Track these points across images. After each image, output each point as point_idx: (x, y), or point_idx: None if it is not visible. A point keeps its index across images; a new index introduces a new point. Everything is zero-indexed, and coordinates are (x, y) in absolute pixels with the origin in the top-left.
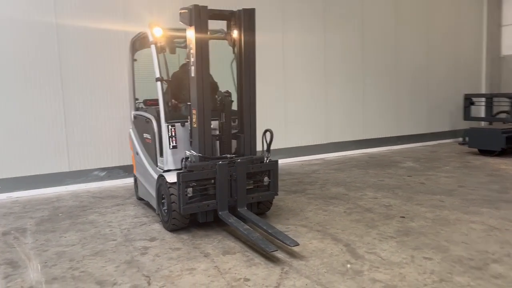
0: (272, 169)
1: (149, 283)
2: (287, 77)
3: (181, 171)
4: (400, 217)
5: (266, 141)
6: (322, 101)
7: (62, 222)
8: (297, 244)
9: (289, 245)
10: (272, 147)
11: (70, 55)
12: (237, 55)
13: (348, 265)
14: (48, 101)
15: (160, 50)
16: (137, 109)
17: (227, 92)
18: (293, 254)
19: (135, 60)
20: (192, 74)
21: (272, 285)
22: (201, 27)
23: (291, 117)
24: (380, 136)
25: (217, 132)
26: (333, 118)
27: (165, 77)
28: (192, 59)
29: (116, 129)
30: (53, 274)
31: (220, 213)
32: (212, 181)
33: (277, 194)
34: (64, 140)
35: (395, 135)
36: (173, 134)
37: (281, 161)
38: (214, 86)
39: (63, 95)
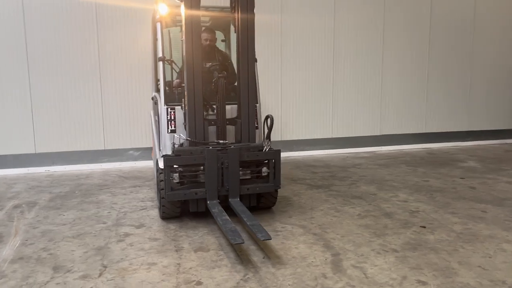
0: (273, 159)
1: (100, 275)
2: (337, 59)
3: (168, 155)
4: (420, 226)
5: (268, 128)
6: (377, 87)
7: (72, 200)
8: (269, 238)
9: (260, 239)
10: (317, 137)
11: (108, 34)
12: (236, 34)
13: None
14: (86, 79)
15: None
16: (157, 90)
17: (222, 73)
18: (270, 258)
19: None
20: (184, 53)
21: None
22: (191, 2)
23: (339, 104)
24: (446, 130)
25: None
26: (389, 107)
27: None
28: (184, 37)
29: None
30: (23, 253)
31: (208, 202)
32: (202, 168)
33: (279, 187)
34: (100, 118)
35: (465, 130)
36: (172, 118)
37: (324, 153)
38: (224, 68)
39: (100, 74)
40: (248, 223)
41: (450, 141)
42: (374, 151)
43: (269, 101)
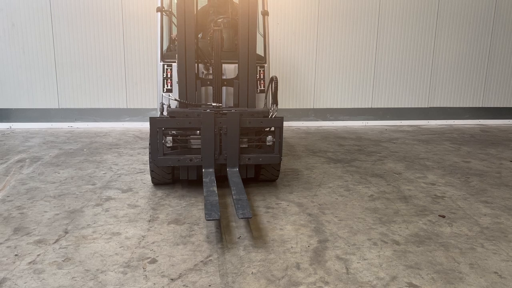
0: (277, 126)
1: (56, 241)
2: (382, 19)
3: (155, 117)
4: (439, 215)
5: (272, 91)
6: (427, 53)
7: (76, 158)
8: (248, 217)
9: (238, 216)
10: (354, 106)
11: None
12: None
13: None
14: (109, 36)
15: None
16: None
17: (218, 24)
18: (246, 238)
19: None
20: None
21: (170, 276)
22: None
23: (382, 71)
24: (507, 106)
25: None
26: (441, 77)
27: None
28: None
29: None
30: None
31: (204, 170)
32: (198, 132)
33: (280, 159)
34: (123, 77)
35: None
36: (169, 76)
37: (361, 124)
38: (234, 22)
39: (123, 33)
40: (234, 196)
41: (511, 118)
42: (419, 125)
43: (302, 64)
